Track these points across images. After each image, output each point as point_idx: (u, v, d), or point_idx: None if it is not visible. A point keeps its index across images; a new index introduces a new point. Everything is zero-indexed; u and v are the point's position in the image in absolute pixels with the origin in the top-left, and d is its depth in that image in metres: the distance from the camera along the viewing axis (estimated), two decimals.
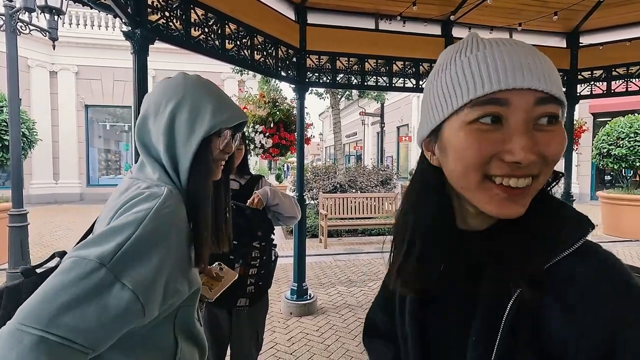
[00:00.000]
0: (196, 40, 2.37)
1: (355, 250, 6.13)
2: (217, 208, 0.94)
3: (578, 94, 4.11)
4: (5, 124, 4.74)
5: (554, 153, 0.45)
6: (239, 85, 11.77)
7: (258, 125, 3.72)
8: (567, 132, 3.15)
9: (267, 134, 3.73)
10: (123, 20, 1.96)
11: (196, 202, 0.81)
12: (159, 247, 0.68)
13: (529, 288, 0.44)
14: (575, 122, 4.74)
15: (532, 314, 0.44)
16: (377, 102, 15.31)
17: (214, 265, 1.07)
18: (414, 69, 3.72)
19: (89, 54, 11.93)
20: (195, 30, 2.37)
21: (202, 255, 0.81)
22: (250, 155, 3.93)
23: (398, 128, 17.96)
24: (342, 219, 6.92)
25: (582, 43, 4.04)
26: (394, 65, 3.66)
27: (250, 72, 8.98)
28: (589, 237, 0.48)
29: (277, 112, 3.77)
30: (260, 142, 3.70)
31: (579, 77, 4.07)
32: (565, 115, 0.50)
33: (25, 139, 5.12)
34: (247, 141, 4.00)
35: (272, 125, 3.73)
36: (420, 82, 3.77)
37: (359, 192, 7.82)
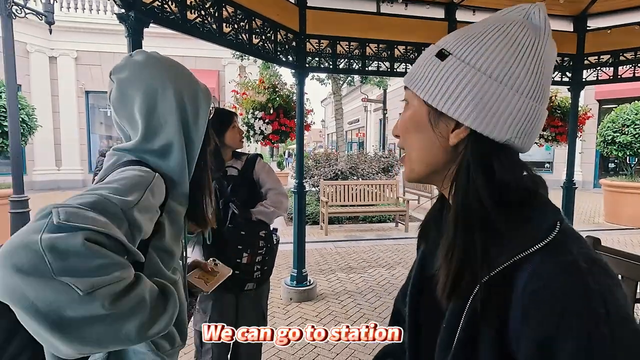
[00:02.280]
0: (192, 23, 2.31)
1: (355, 237, 6.15)
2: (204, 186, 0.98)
3: (584, 80, 4.03)
4: (4, 110, 4.71)
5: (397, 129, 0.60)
6: (239, 70, 11.65)
7: (257, 112, 3.67)
8: (571, 118, 3.11)
9: (266, 120, 3.68)
10: (117, 3, 1.91)
11: (201, 178, 0.91)
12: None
13: (488, 284, 0.46)
14: (580, 109, 4.66)
15: (498, 308, 0.45)
16: (380, 89, 15.13)
17: (209, 260, 1.12)
18: (416, 54, 3.64)
19: (88, 39, 11.79)
20: (191, 13, 2.31)
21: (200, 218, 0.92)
22: (250, 142, 3.89)
23: (400, 115, 17.83)
24: (343, 206, 6.92)
25: (589, 27, 3.94)
26: (395, 49, 3.59)
27: (251, 58, 8.85)
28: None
29: (277, 98, 3.72)
30: (259, 128, 3.66)
31: (585, 62, 3.98)
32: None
33: (25, 125, 5.09)
34: (246, 127, 3.98)
35: (271, 111, 3.68)
36: None
37: (360, 179, 7.79)
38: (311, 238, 5.80)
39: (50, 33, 5.68)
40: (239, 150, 1.91)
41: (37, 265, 0.50)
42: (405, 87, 0.57)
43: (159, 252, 0.81)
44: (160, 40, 8.37)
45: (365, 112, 22.49)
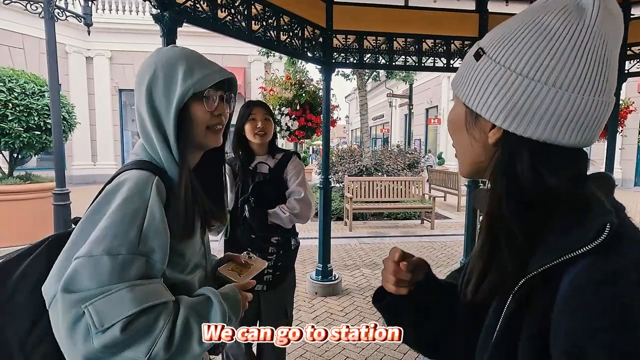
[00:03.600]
0: (223, 21, 2.37)
1: (380, 234, 6.12)
2: (209, 176, 0.94)
3: (626, 71, 3.81)
4: (47, 108, 5.01)
5: None
6: (265, 67, 11.78)
7: (284, 108, 3.72)
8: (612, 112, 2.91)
9: (293, 116, 3.73)
10: (152, 3, 1.98)
11: (179, 174, 0.80)
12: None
13: (529, 284, 0.45)
14: (621, 102, 4.41)
15: (537, 309, 0.45)
16: (406, 83, 14.89)
17: (243, 253, 1.11)
18: (444, 48, 3.56)
19: (122, 39, 12.27)
20: (221, 11, 2.36)
21: (184, 226, 0.80)
22: (277, 138, 3.96)
23: (427, 110, 17.46)
24: (367, 202, 6.89)
25: (633, 15, 3.71)
26: (423, 43, 3.53)
27: (277, 54, 8.93)
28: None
29: (303, 94, 3.75)
30: (286, 124, 3.71)
31: (628, 52, 3.76)
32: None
33: (65, 122, 5.39)
34: (274, 121, 4.04)
35: (298, 107, 3.72)
36: (451, 61, 3.62)
37: (385, 175, 7.72)
38: (335, 234, 5.83)
39: (89, 34, 5.95)
40: (272, 143, 1.80)
41: None
42: None
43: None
44: (188, 39, 8.58)
45: (390, 107, 22.20)
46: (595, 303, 0.39)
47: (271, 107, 4.00)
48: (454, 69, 3.71)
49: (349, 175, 7.31)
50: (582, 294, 0.40)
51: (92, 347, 0.64)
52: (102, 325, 0.63)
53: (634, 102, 5.56)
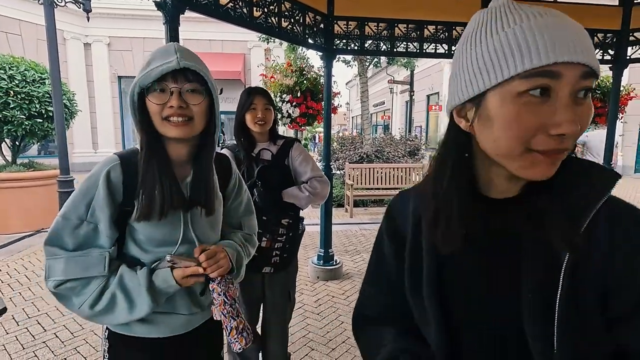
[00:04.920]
0: (225, 8, 2.37)
1: (380, 220, 6.18)
2: (196, 167, 0.99)
3: (628, 57, 3.80)
4: (48, 96, 5.00)
5: (586, 123, 0.48)
6: (265, 54, 11.67)
7: (285, 95, 3.73)
8: (612, 99, 2.97)
9: (294, 104, 3.74)
10: None
11: (138, 159, 0.94)
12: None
13: (578, 238, 0.49)
14: (622, 88, 4.40)
15: (585, 259, 0.49)
16: (407, 70, 14.76)
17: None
18: (446, 34, 3.55)
19: (120, 25, 12.11)
20: None
21: (141, 206, 0.91)
22: (278, 125, 3.98)
23: (428, 97, 17.34)
24: (368, 189, 6.95)
25: (637, 0, 3.68)
26: (425, 29, 3.51)
27: (277, 41, 8.84)
28: None
29: (304, 81, 3.75)
30: (287, 111, 3.73)
31: (631, 38, 3.74)
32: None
33: (66, 110, 5.40)
34: (274, 109, 4.03)
35: (299, 94, 3.73)
36: (453, 48, 3.60)
37: (385, 162, 7.75)
38: (336, 220, 5.89)
39: (88, 20, 5.89)
40: (273, 130, 1.83)
41: None
42: (593, 74, 0.47)
43: (132, 234, 0.95)
44: (189, 25, 8.51)
45: (391, 94, 22.03)
46: None
47: (272, 95, 4.02)
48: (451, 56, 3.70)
49: (349, 163, 7.34)
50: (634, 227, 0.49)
51: (48, 285, 0.91)
52: (47, 276, 0.90)
53: (634, 89, 5.53)
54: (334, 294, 3.36)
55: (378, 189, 6.99)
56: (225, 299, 0.96)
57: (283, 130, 10.81)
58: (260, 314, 1.87)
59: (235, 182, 1.18)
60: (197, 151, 0.99)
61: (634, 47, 3.78)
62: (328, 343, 2.57)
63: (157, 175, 0.91)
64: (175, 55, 0.86)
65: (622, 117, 4.51)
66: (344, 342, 2.58)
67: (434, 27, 3.51)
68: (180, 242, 0.97)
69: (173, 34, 2.01)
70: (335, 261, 3.76)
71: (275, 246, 1.71)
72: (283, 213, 1.73)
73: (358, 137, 9.42)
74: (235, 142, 1.83)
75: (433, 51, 3.62)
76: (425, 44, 3.56)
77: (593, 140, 4.79)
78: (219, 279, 0.96)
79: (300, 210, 1.82)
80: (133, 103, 0.90)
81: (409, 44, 3.55)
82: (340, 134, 11.33)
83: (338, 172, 7.86)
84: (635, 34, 3.72)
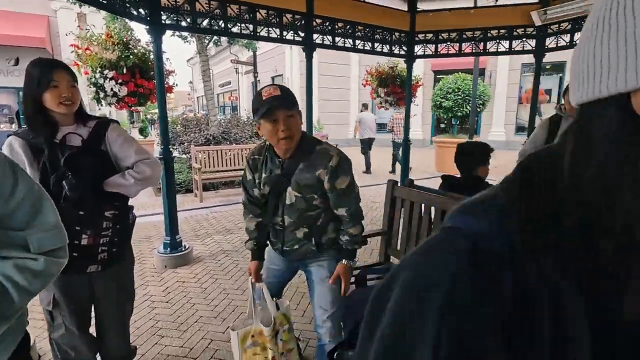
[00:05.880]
0: None
1: (232, 202, 6.24)
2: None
3: (415, 54, 4.86)
4: None
5: None
6: (78, 20, 9.70)
7: (107, 71, 3.28)
8: (406, 87, 3.84)
9: (119, 81, 3.33)
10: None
11: None
12: None
13: None
14: (413, 78, 5.62)
15: None
16: (249, 50, 14.75)
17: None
18: (277, 19, 3.77)
19: None
20: None
21: None
22: (101, 105, 3.49)
23: (272, 78, 17.84)
24: (216, 171, 6.85)
25: (419, 9, 4.71)
26: (257, 13, 3.64)
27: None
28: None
29: (130, 56, 3.38)
30: (112, 89, 3.30)
31: (416, 38, 4.79)
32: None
33: None
34: (94, 88, 3.49)
35: (124, 70, 3.34)
36: (285, 33, 3.87)
37: (233, 144, 7.75)
38: (185, 206, 5.65)
39: None
40: (90, 113, 1.60)
41: None
42: None
43: None
44: None
45: (237, 74, 21.69)
46: None
47: (90, 70, 3.46)
48: (288, 41, 3.98)
49: (195, 145, 7.04)
50: None
51: None
52: None
53: (422, 78, 7.16)
54: (184, 279, 3.29)
55: (227, 170, 6.97)
56: None
57: (110, 111, 9.40)
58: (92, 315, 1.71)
59: None
60: None
61: (418, 45, 4.85)
62: (179, 327, 2.55)
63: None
64: None
65: (414, 100, 5.79)
66: (196, 321, 2.61)
67: (265, 11, 3.67)
68: None
69: None
70: (184, 247, 3.66)
71: (101, 242, 1.53)
72: (105, 204, 1.55)
73: (203, 119, 9.04)
74: (27, 128, 1.51)
75: (266, 35, 3.80)
76: (258, 27, 3.70)
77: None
78: None
79: (129, 199, 1.66)
80: None
81: (243, 25, 3.62)
82: (184, 116, 10.61)
83: (184, 156, 7.45)
84: (419, 35, 4.77)
